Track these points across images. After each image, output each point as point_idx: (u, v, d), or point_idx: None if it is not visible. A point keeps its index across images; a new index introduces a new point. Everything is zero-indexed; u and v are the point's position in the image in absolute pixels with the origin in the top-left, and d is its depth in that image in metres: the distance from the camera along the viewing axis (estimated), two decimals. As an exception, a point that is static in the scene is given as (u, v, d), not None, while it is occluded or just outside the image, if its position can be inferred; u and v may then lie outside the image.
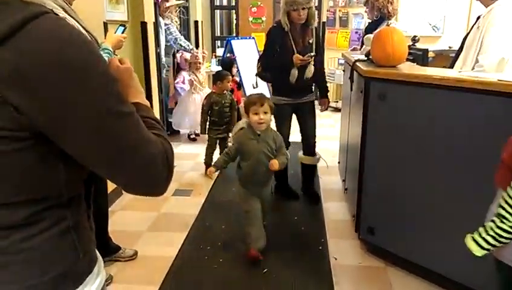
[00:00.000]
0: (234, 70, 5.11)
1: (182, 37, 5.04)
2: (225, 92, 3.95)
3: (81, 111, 0.64)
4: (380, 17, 3.80)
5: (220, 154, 3.81)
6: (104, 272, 0.88)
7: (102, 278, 0.86)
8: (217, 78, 3.97)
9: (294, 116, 3.38)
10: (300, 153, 3.45)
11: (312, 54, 3.09)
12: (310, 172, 3.52)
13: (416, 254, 2.33)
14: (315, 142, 3.44)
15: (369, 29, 3.79)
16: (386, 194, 2.42)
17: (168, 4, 4.78)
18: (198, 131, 4.95)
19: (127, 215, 3.15)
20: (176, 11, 5.11)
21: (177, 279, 2.36)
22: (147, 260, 2.55)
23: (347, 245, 2.71)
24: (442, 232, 2.18)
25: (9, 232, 0.69)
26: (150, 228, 2.95)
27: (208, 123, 3.99)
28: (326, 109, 3.57)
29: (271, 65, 3.22)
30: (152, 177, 0.74)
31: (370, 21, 4.02)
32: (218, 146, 4.09)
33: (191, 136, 5.17)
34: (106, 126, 0.67)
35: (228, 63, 5.10)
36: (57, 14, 0.68)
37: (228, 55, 5.87)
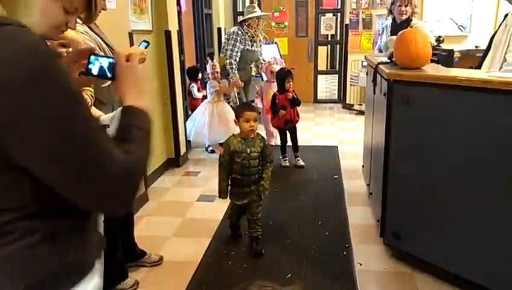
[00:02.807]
0: (288, 85, 4.13)
1: (232, 57, 4.60)
2: (253, 135, 2.61)
3: (30, 124, 0.61)
4: (408, 17, 3.84)
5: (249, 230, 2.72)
6: (97, 279, 0.85)
7: (96, 285, 0.84)
8: (235, 114, 2.76)
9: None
10: None
11: None
12: None
13: (444, 259, 2.27)
14: None
15: (401, 28, 3.72)
16: (412, 198, 2.38)
17: (245, 17, 4.70)
18: (206, 144, 4.77)
19: (153, 220, 3.20)
20: (258, 25, 4.73)
21: (202, 284, 2.38)
22: (172, 265, 2.59)
23: (372, 250, 2.67)
24: (470, 237, 2.12)
25: None
26: (175, 233, 2.99)
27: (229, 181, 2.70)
28: None
29: None
30: (110, 199, 0.71)
31: (391, 21, 4.01)
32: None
33: (209, 149, 4.83)
34: (58, 143, 0.64)
35: (284, 75, 4.16)
36: (23, 26, 0.66)
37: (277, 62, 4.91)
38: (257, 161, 2.58)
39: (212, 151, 4.78)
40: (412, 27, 3.70)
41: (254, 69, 5.27)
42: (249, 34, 4.67)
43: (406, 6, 3.83)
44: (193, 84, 4.97)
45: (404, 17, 3.89)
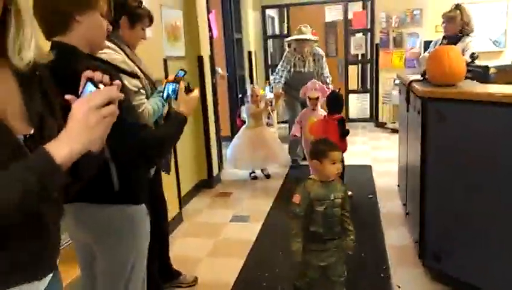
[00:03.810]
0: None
1: (279, 73, 4.84)
2: (334, 179, 2.12)
3: None
4: (461, 33, 3.84)
5: None
6: None
7: None
8: (314, 154, 2.12)
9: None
10: None
11: None
12: None
13: (487, 281, 2.17)
14: None
15: (450, 43, 3.76)
16: (451, 218, 2.31)
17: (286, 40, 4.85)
18: (254, 169, 4.61)
19: (187, 241, 3.24)
20: (303, 48, 4.74)
21: (236, 305, 2.37)
22: (207, 286, 2.60)
23: (411, 272, 2.59)
24: (516, 259, 2.02)
25: None
26: (210, 254, 3.01)
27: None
28: None
29: None
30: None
31: (443, 37, 4.03)
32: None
33: (252, 175, 4.66)
34: None
35: (337, 100, 3.85)
36: None
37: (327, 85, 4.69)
38: (340, 209, 2.10)
39: (255, 178, 4.63)
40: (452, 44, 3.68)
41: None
42: (298, 57, 4.79)
43: (447, 23, 3.91)
44: (243, 107, 4.89)
45: (447, 34, 3.95)
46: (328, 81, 4.88)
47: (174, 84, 1.39)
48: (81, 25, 1.28)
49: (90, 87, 0.86)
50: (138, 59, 2.10)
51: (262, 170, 4.71)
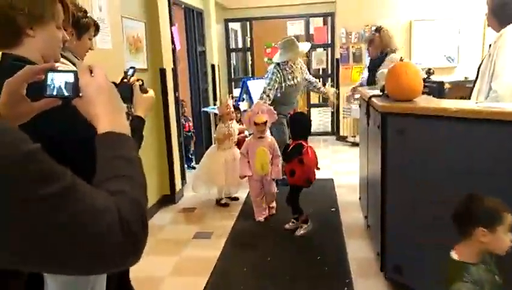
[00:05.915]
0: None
1: (266, 92, 4.23)
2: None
3: None
4: (383, 53, 4.07)
5: None
6: None
7: None
8: (478, 218, 1.61)
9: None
10: None
11: None
12: None
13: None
14: None
15: (374, 65, 4.11)
16: (411, 229, 2.35)
17: (284, 59, 4.27)
18: (222, 196, 4.17)
19: (149, 260, 3.12)
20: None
21: (199, 326, 2.31)
22: (169, 306, 2.51)
23: (373, 285, 2.62)
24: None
25: None
26: (172, 273, 2.92)
27: None
28: None
29: None
30: (106, 257, 0.61)
31: (370, 59, 4.32)
32: None
33: (221, 201, 4.19)
34: (27, 218, 0.53)
35: (304, 124, 3.57)
36: None
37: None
38: None
39: (226, 205, 4.16)
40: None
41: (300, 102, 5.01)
42: (287, 70, 4.32)
43: (368, 46, 4.22)
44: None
45: (371, 56, 4.26)
46: (319, 86, 4.82)
47: (127, 86, 1.18)
48: (34, 38, 1.21)
49: (57, 75, 0.79)
50: None
51: (230, 194, 4.31)
